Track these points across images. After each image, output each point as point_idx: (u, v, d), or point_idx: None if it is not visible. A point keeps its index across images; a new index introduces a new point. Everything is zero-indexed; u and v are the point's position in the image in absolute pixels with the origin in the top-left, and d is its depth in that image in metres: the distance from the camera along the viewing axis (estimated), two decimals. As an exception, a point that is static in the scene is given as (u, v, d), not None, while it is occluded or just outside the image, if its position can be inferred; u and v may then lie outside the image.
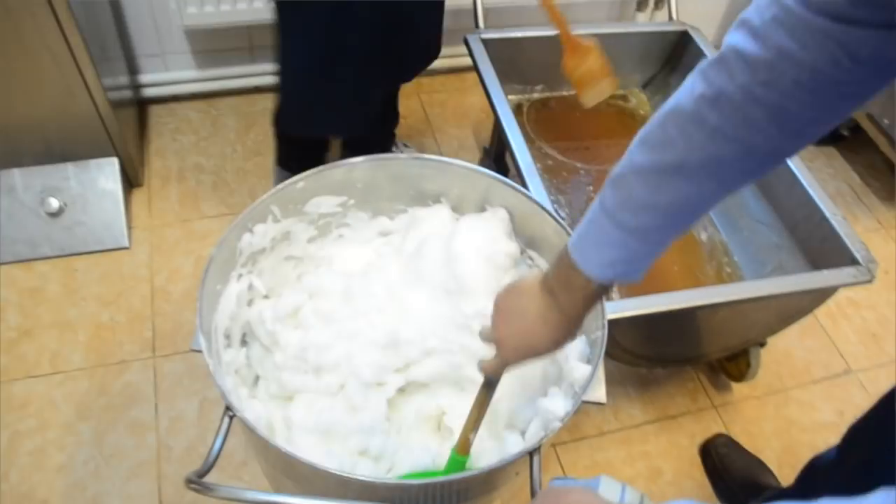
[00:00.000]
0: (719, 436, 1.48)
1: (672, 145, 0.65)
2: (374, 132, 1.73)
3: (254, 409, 1.03)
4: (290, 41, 1.40)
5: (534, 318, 0.80)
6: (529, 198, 1.13)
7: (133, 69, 1.96)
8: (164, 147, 1.93)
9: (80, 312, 1.57)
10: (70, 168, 1.68)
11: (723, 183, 0.66)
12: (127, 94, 1.88)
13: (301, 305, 1.11)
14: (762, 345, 1.47)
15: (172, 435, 1.40)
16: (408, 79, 1.66)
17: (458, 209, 1.21)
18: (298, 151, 1.66)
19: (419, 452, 1.04)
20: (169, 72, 2.00)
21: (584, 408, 1.43)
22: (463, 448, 0.96)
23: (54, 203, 1.64)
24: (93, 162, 1.69)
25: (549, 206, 1.14)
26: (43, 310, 1.56)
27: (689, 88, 0.63)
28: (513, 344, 0.84)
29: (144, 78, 1.98)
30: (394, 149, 1.88)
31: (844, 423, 1.56)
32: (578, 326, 0.79)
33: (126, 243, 1.69)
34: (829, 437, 1.53)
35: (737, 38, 0.58)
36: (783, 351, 1.69)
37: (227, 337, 1.05)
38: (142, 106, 2.01)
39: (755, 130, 0.60)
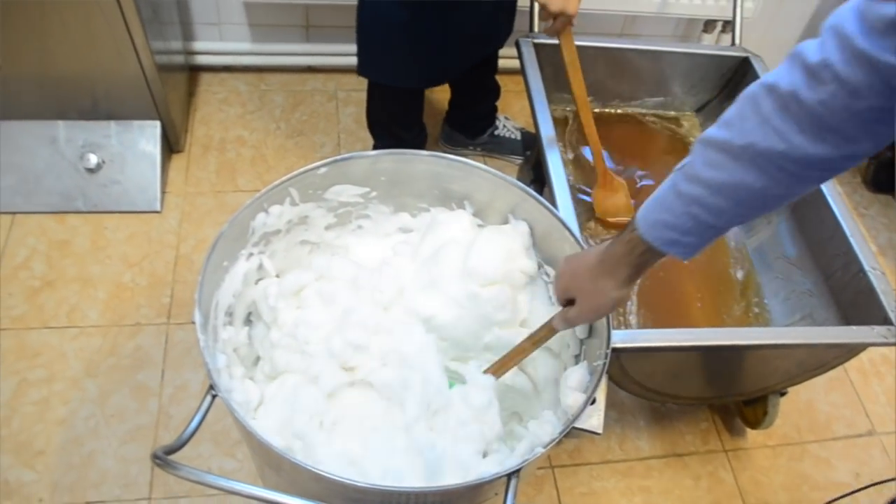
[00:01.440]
0: None
1: (737, 125, 0.67)
2: (463, 94, 1.83)
3: (246, 389, 1.02)
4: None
5: (588, 258, 0.87)
6: (555, 216, 1.09)
7: (188, 35, 1.98)
8: (210, 116, 1.95)
9: (104, 270, 1.59)
10: (113, 126, 1.70)
11: (775, 182, 0.66)
12: (178, 59, 1.90)
13: (306, 285, 1.10)
14: (783, 394, 1.41)
15: (174, 403, 1.41)
16: (495, 46, 1.70)
17: (482, 214, 1.19)
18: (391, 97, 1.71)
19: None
20: (224, 42, 2.01)
21: (586, 434, 1.40)
22: (493, 370, 1.04)
23: (93, 159, 1.66)
24: (136, 123, 1.71)
25: (574, 227, 1.11)
26: (68, 262, 1.58)
27: (784, 77, 0.63)
28: (581, 301, 0.89)
29: (199, 45, 1.99)
30: (497, 122, 1.99)
31: (860, 486, 1.50)
32: (629, 287, 0.85)
33: (158, 207, 1.70)
34: (842, 499, 1.47)
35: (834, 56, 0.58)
36: (806, 402, 1.63)
37: (230, 314, 1.05)
38: (193, 73, 2.03)
39: (817, 140, 0.62)
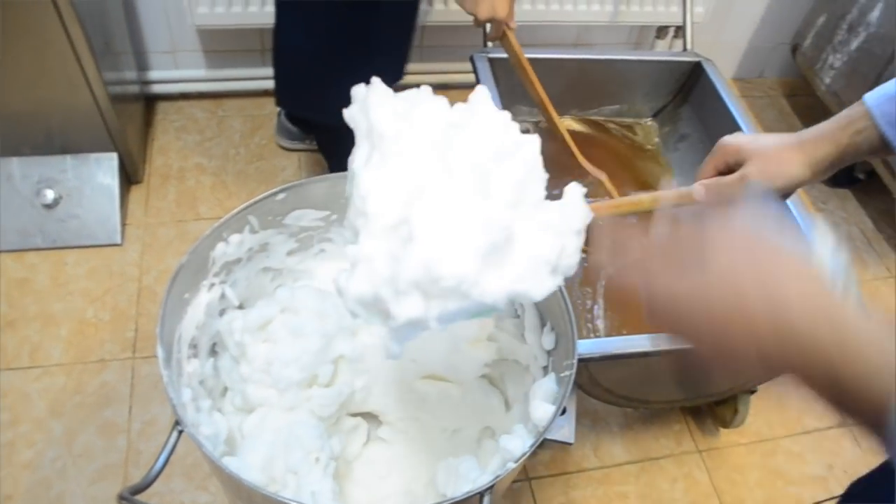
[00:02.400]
0: None
1: None
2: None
3: (215, 422, 1.01)
4: (293, 23, 1.46)
5: (781, 143, 0.82)
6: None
7: (143, 65, 1.96)
8: (168, 145, 1.93)
9: (66, 307, 1.56)
10: (69, 160, 1.68)
11: None
12: (133, 89, 1.88)
13: (272, 318, 1.09)
14: (752, 392, 1.43)
15: (143, 439, 1.39)
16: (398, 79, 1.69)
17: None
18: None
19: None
20: (179, 69, 1.99)
21: (559, 445, 1.40)
22: (600, 208, 1.01)
23: (50, 194, 1.64)
24: (92, 156, 1.69)
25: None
26: (29, 301, 1.55)
27: None
28: (754, 163, 0.84)
29: (154, 74, 1.98)
30: None
31: (833, 478, 1.53)
32: (813, 176, 0.82)
33: (118, 240, 1.68)
34: (815, 491, 1.49)
35: None
36: (776, 398, 1.65)
37: (194, 346, 1.03)
38: (149, 102, 2.01)
39: None
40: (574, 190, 0.72)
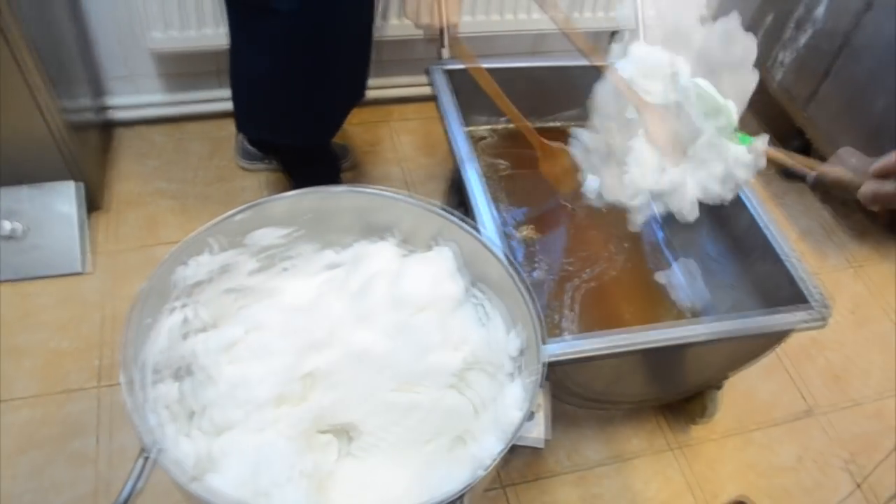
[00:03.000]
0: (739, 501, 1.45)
1: None
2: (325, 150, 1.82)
3: (182, 447, 1.00)
4: (250, 48, 1.46)
5: None
6: (475, 237, 1.11)
7: (99, 91, 1.94)
8: (129, 170, 1.91)
9: (30, 339, 1.54)
10: (26, 190, 1.66)
11: None
12: (90, 116, 1.86)
13: (237, 339, 1.08)
14: (718, 387, 1.45)
15: (113, 468, 1.37)
16: (361, 97, 1.74)
17: (409, 241, 1.19)
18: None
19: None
20: (136, 95, 1.98)
21: (531, 449, 1.41)
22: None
23: (8, 226, 1.62)
24: (50, 185, 1.67)
25: (496, 244, 1.13)
26: (-9, 335, 1.53)
27: None
28: None
29: (111, 100, 1.97)
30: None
31: (803, 469, 1.55)
32: None
33: (81, 268, 1.66)
34: (785, 482, 1.52)
35: None
36: (744, 391, 1.67)
37: (158, 371, 1.02)
38: (108, 129, 1.99)
39: None
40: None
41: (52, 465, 1.36)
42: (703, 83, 1.21)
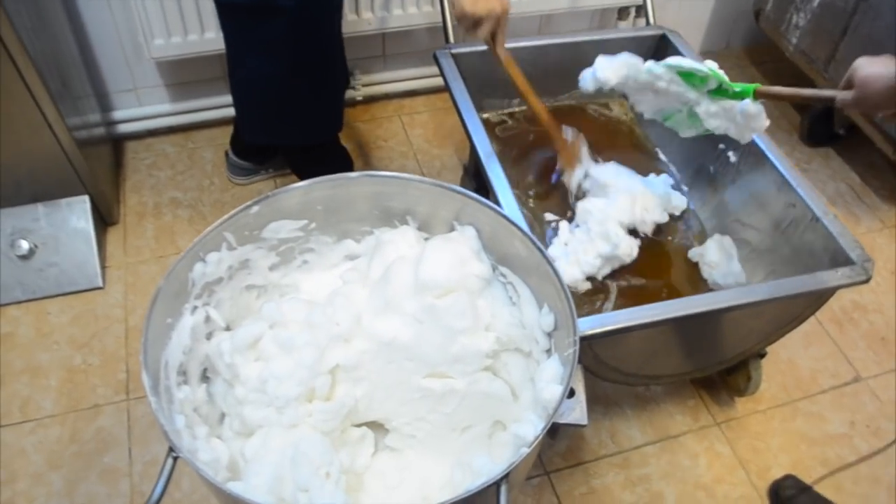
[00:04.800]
0: (787, 477, 1.39)
1: None
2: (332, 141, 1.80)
3: (214, 448, 0.97)
4: (253, 54, 1.42)
5: None
6: (499, 213, 1.07)
7: (106, 106, 1.93)
8: (141, 183, 1.89)
9: (52, 357, 1.52)
10: (40, 208, 1.64)
11: None
12: (99, 131, 1.85)
13: (261, 335, 1.05)
14: (762, 355, 1.40)
15: (147, 480, 1.34)
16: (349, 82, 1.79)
17: (426, 226, 1.16)
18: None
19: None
20: (143, 107, 1.96)
21: (577, 432, 1.37)
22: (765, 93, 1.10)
23: (24, 245, 1.60)
24: (63, 201, 1.65)
25: (520, 221, 1.09)
26: (14, 356, 1.51)
27: None
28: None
29: (118, 114, 1.95)
30: None
31: (857, 435, 1.49)
32: None
33: (100, 283, 1.64)
34: (841, 449, 1.46)
35: None
36: (787, 361, 1.62)
37: (183, 373, 1.00)
38: (118, 143, 1.98)
39: None
40: None
41: (85, 481, 1.33)
42: (674, 60, 1.21)
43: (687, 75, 1.20)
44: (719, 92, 1.19)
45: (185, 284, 0.99)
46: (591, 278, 1.33)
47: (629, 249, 1.33)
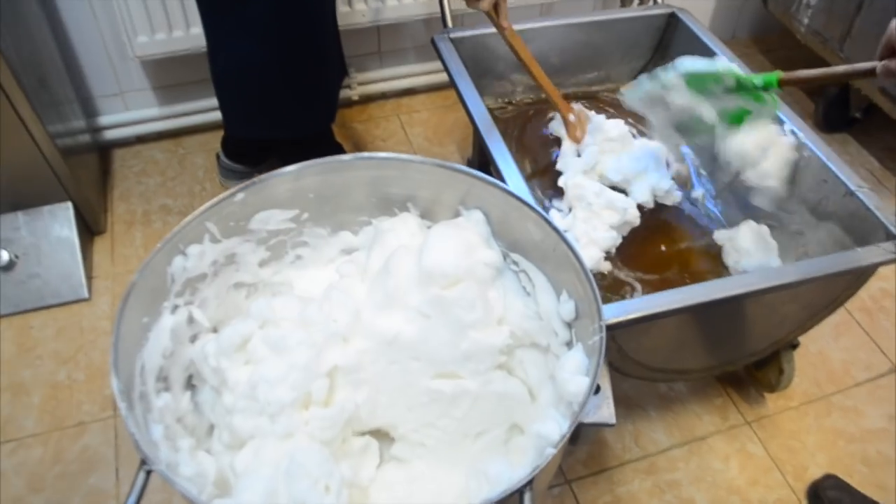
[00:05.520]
0: (827, 477, 1.29)
1: None
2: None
3: (199, 462, 0.87)
4: (234, 39, 1.33)
5: None
6: (510, 193, 0.97)
7: (91, 111, 1.85)
8: (129, 191, 1.81)
9: (35, 373, 1.42)
10: (21, 217, 1.55)
11: None
12: (84, 138, 1.76)
13: (250, 335, 0.95)
14: (794, 346, 1.30)
15: (135, 502, 1.24)
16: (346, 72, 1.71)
17: (430, 214, 1.06)
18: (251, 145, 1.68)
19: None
20: (130, 111, 1.88)
21: (596, 436, 1.27)
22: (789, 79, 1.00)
23: (4, 256, 1.51)
24: (45, 209, 1.56)
25: (531, 200, 0.99)
26: (-7, 373, 1.42)
27: None
28: None
29: (105, 120, 1.86)
30: None
31: (897, 428, 1.39)
32: None
33: (85, 294, 1.55)
34: (881, 444, 1.35)
35: None
36: (817, 354, 1.51)
37: (164, 379, 0.90)
38: (105, 151, 1.89)
39: None
40: None
41: (68, 506, 1.23)
42: (685, 63, 1.11)
43: (697, 81, 1.10)
44: (739, 88, 1.08)
45: (163, 280, 0.89)
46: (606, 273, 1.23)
47: (634, 211, 1.22)
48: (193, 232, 0.91)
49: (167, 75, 1.84)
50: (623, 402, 1.41)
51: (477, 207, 1.02)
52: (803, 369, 1.46)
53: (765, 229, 1.24)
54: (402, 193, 1.04)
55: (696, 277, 1.24)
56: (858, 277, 1.11)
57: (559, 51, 1.57)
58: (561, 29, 1.56)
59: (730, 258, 1.27)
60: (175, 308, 0.92)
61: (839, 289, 1.12)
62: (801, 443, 1.36)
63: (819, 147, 1.22)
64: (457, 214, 1.04)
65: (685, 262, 1.27)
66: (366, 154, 1.00)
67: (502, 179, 1.14)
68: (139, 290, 0.83)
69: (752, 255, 1.23)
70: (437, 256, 0.95)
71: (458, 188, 1.01)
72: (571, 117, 1.35)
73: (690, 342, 1.15)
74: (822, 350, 1.52)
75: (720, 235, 1.28)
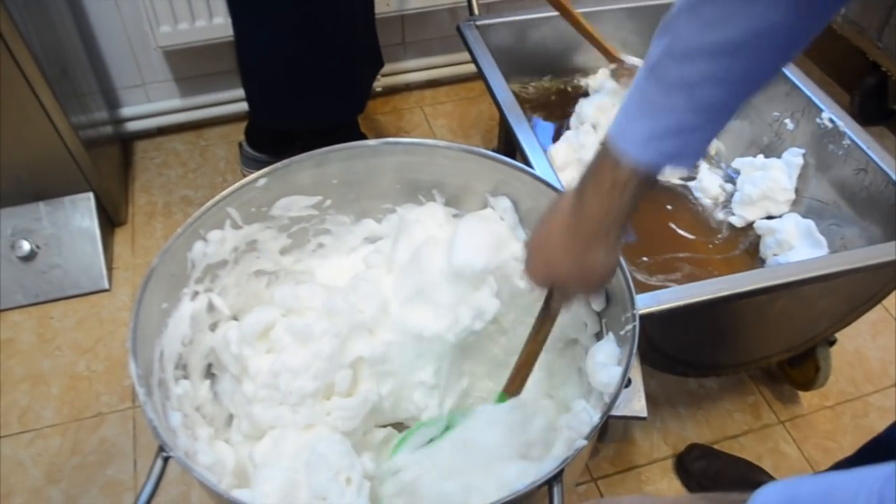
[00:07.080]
0: (692, 447, 1.26)
1: None
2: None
3: (217, 451, 0.85)
4: (259, 26, 1.31)
5: (559, 231, 0.70)
6: (544, 182, 0.94)
7: (114, 103, 1.84)
8: (150, 182, 1.79)
9: (55, 363, 1.41)
10: (42, 207, 1.54)
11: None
12: (107, 130, 1.75)
13: (273, 323, 0.93)
14: (831, 343, 1.25)
15: (154, 495, 1.22)
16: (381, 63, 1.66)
17: (456, 202, 1.03)
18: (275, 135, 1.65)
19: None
20: (152, 103, 1.87)
21: (625, 434, 1.23)
22: (510, 387, 0.84)
23: (26, 246, 1.50)
24: (66, 199, 1.55)
25: (559, 185, 0.96)
26: (14, 363, 1.41)
27: None
28: (570, 285, 0.74)
29: (127, 111, 1.85)
30: None
31: (938, 430, 1.33)
32: (614, 235, 0.68)
33: (106, 285, 1.53)
34: (922, 446, 1.30)
35: None
36: (854, 352, 1.46)
37: (183, 367, 0.88)
38: (127, 142, 1.88)
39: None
40: None
41: (86, 496, 1.22)
42: None
43: None
44: None
45: (183, 265, 0.87)
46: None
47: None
48: (214, 217, 0.89)
49: (189, 66, 1.82)
50: (652, 399, 1.35)
51: (505, 195, 0.99)
52: (840, 368, 1.41)
53: (812, 225, 1.19)
54: (429, 180, 1.01)
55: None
56: (904, 269, 1.07)
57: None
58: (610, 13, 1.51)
59: (770, 250, 1.23)
60: (195, 295, 0.90)
61: (881, 282, 1.07)
62: (838, 444, 1.32)
63: (858, 135, 1.18)
64: (485, 202, 1.01)
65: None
66: (392, 139, 0.97)
67: (530, 166, 1.10)
68: (159, 276, 0.81)
69: (797, 250, 1.19)
70: (467, 254, 0.92)
71: (487, 175, 0.98)
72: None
73: (725, 334, 1.11)
74: (859, 348, 1.47)
75: (761, 225, 1.24)
